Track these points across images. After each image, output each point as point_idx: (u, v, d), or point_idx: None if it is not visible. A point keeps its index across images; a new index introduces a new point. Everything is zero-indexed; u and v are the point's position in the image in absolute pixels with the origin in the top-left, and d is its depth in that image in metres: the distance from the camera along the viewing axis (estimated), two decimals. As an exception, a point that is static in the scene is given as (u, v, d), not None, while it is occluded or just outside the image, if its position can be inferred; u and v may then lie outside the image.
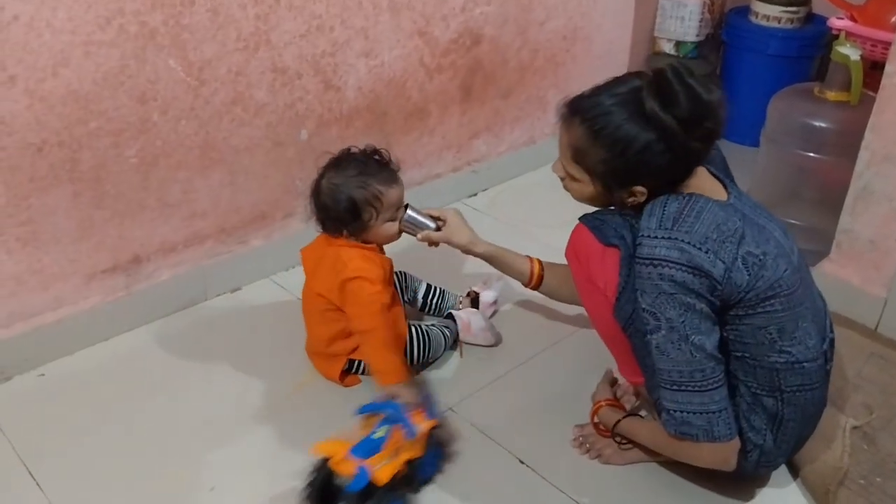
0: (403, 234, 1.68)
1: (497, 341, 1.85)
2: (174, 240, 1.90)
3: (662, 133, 1.23)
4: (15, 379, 1.72)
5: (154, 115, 1.74)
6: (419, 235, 1.68)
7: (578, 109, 1.32)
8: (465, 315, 1.83)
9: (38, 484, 1.47)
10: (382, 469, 1.33)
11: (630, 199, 1.33)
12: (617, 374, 1.63)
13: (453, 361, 1.80)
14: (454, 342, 1.81)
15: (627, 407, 1.61)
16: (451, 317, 1.83)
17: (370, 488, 1.32)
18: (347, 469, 1.32)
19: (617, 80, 1.32)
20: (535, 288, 1.76)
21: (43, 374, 1.74)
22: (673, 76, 1.22)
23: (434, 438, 1.46)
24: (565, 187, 1.42)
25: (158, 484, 1.47)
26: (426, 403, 1.54)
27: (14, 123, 1.55)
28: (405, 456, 1.38)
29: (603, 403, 1.54)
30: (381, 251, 1.70)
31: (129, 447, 1.55)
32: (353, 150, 1.63)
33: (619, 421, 1.50)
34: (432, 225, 1.69)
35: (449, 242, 1.71)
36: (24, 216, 1.64)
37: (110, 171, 1.72)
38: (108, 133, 1.68)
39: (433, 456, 1.46)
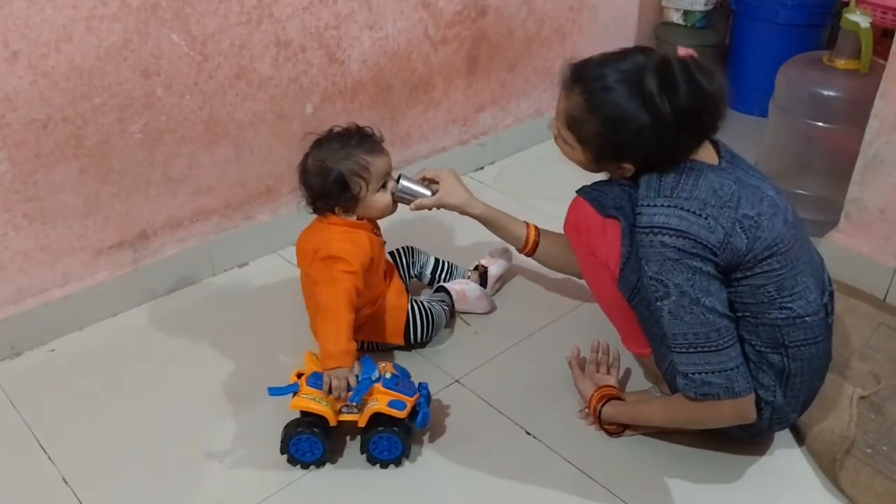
0: (399, 208, 1.65)
1: (493, 307, 1.87)
2: (180, 215, 1.90)
3: (657, 118, 1.24)
4: (25, 354, 1.74)
5: (158, 89, 1.73)
6: (412, 205, 1.65)
7: (580, 78, 1.31)
8: (458, 286, 1.83)
9: (49, 458, 1.48)
10: (300, 399, 1.43)
11: (617, 172, 1.35)
12: (603, 345, 1.63)
13: (459, 334, 1.80)
14: (451, 315, 1.81)
15: (613, 372, 1.60)
16: (441, 290, 1.82)
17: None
18: (292, 378, 1.48)
19: (623, 54, 1.30)
20: (530, 254, 1.72)
21: (53, 350, 1.75)
22: (679, 69, 1.22)
23: (400, 427, 1.43)
24: (557, 145, 1.41)
25: (168, 457, 1.49)
26: (403, 386, 1.46)
27: (18, 99, 1.55)
28: (348, 416, 1.45)
29: (597, 405, 1.50)
30: (376, 229, 1.68)
31: (139, 421, 1.56)
32: (336, 128, 1.61)
33: (622, 426, 1.52)
34: (427, 192, 1.65)
35: (443, 205, 1.66)
36: (30, 192, 1.64)
37: (115, 146, 1.72)
38: (112, 108, 1.68)
39: (387, 438, 1.43)
